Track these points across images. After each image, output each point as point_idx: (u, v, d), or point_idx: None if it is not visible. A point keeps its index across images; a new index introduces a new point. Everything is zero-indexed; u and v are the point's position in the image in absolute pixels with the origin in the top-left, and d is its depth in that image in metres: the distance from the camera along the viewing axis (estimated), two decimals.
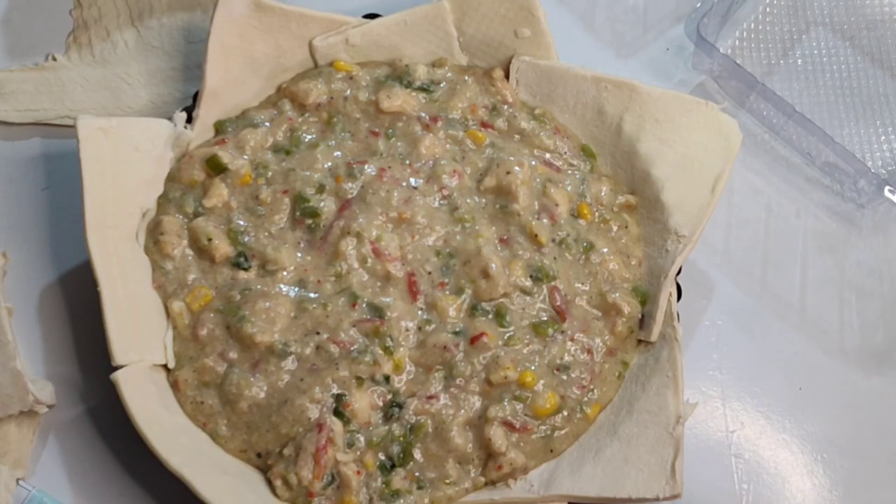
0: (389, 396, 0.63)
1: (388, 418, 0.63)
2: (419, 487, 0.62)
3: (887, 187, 0.70)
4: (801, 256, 0.73)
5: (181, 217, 0.67)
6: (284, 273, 0.66)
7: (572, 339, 0.65)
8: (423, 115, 0.70)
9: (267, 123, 0.70)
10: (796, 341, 0.71)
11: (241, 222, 0.67)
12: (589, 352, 0.65)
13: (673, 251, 0.66)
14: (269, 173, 0.68)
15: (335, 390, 0.62)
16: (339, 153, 0.69)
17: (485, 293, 0.65)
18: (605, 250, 0.68)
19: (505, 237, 0.67)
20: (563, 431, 0.64)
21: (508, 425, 0.62)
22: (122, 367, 0.61)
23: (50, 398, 0.65)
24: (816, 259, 0.73)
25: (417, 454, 0.62)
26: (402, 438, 0.62)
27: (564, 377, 0.64)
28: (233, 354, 0.64)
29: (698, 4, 0.74)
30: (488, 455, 0.62)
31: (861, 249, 0.74)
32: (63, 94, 0.75)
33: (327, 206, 0.67)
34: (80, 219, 0.63)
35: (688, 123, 0.69)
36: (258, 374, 0.63)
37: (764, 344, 0.71)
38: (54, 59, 0.76)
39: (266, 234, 0.67)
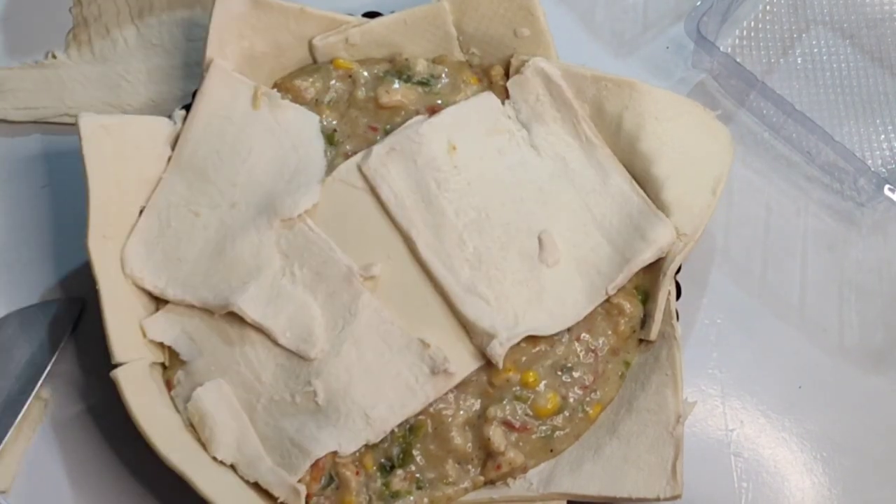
0: None
1: None
2: (419, 488, 0.62)
3: (887, 186, 0.69)
4: (801, 255, 0.73)
5: None
6: None
7: (578, 339, 0.65)
8: (422, 109, 0.70)
9: None
10: (796, 340, 0.71)
11: None
12: (593, 352, 0.65)
13: (673, 249, 0.66)
14: None
15: None
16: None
17: None
18: None
19: None
20: (563, 431, 0.64)
21: (508, 425, 0.62)
22: (121, 364, 0.61)
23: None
24: (816, 257, 0.73)
25: (417, 454, 0.62)
26: (401, 439, 0.62)
27: (567, 378, 0.64)
28: None
29: (698, 3, 0.74)
30: (487, 454, 0.62)
31: (861, 248, 0.74)
32: (63, 91, 0.75)
33: None
34: (79, 217, 0.63)
35: (686, 124, 0.69)
36: None
37: (763, 342, 0.71)
38: (54, 56, 0.76)
39: None
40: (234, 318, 0.63)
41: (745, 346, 0.70)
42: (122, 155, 0.66)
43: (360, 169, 0.67)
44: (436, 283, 0.64)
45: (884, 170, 0.75)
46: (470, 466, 0.62)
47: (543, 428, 0.63)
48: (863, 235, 0.74)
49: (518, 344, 0.63)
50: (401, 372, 0.62)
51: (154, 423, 0.60)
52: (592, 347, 0.65)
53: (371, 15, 0.73)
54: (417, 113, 0.70)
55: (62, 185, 0.73)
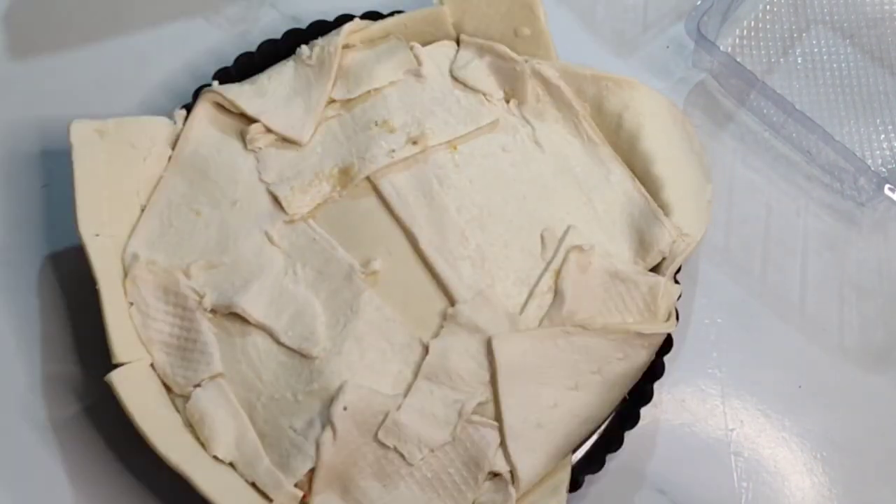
0: None
1: None
2: None
3: (887, 185, 0.69)
4: (801, 254, 0.73)
5: None
6: None
7: None
8: None
9: None
10: (796, 339, 0.71)
11: None
12: None
13: (674, 249, 0.66)
14: None
15: None
16: None
17: None
18: None
19: None
20: None
21: None
22: (122, 364, 0.61)
23: None
24: (816, 257, 0.73)
25: None
26: None
27: None
28: None
29: (699, 2, 0.74)
30: None
31: (861, 248, 0.74)
32: None
33: None
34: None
35: (679, 129, 0.70)
36: None
37: (763, 342, 0.71)
38: None
39: None
40: (236, 316, 0.63)
41: (745, 346, 0.70)
42: (118, 156, 0.65)
43: None
44: (438, 280, 0.64)
45: (884, 169, 0.75)
46: None
47: None
48: (863, 235, 0.74)
49: None
50: (402, 370, 0.62)
51: (153, 423, 0.60)
52: None
53: (371, 15, 0.73)
54: None
55: (62, 183, 0.72)
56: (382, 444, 0.60)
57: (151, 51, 0.77)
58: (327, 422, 0.59)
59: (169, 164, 0.67)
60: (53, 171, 0.73)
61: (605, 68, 0.70)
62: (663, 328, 0.64)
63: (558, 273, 0.65)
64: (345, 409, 0.59)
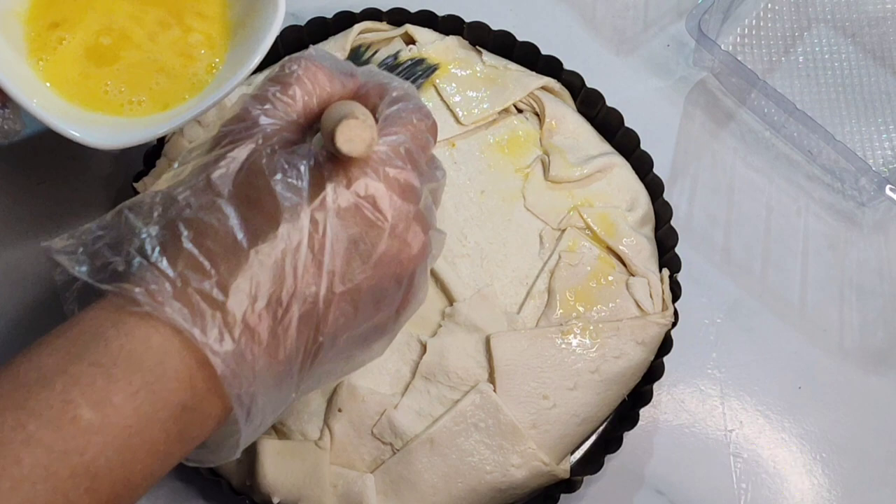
0: None
1: None
2: None
3: (888, 186, 0.69)
4: (802, 255, 0.73)
5: None
6: None
7: None
8: None
9: None
10: (796, 340, 0.70)
11: None
12: None
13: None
14: None
15: None
16: None
17: None
18: None
19: None
20: None
21: None
22: None
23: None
24: (817, 257, 0.73)
25: None
26: None
27: None
28: None
29: (700, 0, 0.74)
30: None
31: (862, 248, 0.73)
32: None
33: None
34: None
35: None
36: None
37: (763, 342, 0.70)
38: None
39: None
40: None
41: (744, 347, 0.70)
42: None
43: None
44: (436, 278, 0.63)
45: (885, 169, 0.75)
46: None
47: None
48: (864, 235, 0.74)
49: None
50: (400, 369, 0.62)
51: None
52: None
53: (370, 12, 0.73)
54: None
55: (58, 181, 0.72)
56: (380, 441, 0.60)
57: None
58: (324, 425, 0.59)
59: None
60: (50, 168, 0.73)
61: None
62: (659, 320, 0.63)
63: (553, 273, 0.64)
64: (340, 410, 0.59)
